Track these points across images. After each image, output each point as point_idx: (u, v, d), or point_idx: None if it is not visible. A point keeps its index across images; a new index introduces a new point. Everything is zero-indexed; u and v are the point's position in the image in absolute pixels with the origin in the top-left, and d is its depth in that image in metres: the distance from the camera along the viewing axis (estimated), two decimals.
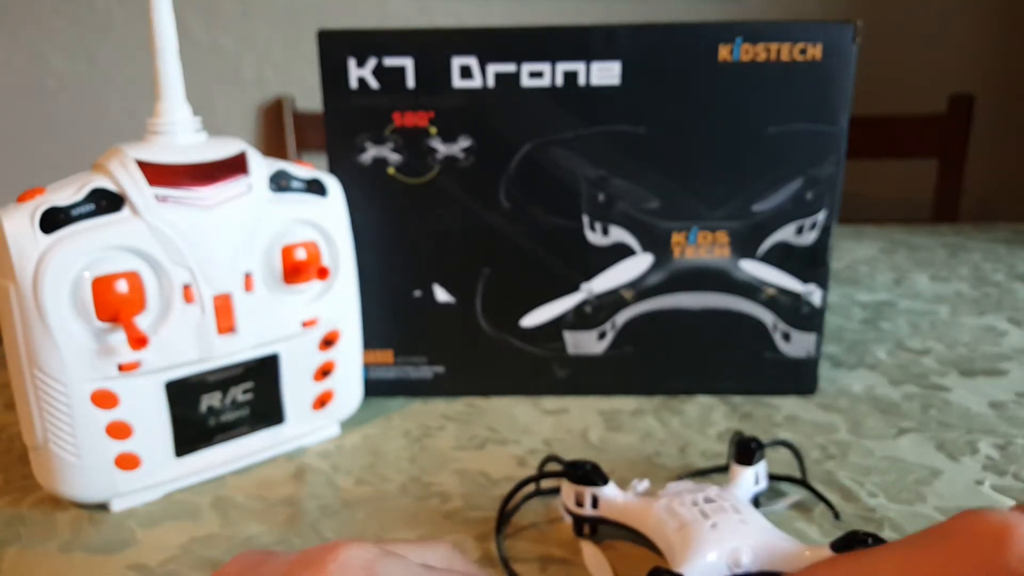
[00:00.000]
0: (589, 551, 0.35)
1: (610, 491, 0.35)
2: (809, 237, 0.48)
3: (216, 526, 0.38)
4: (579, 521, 0.36)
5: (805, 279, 0.49)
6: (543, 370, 0.50)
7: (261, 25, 1.61)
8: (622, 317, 0.49)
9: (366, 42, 0.45)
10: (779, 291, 0.49)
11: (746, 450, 0.37)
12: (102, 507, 0.39)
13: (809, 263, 0.48)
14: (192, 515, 0.39)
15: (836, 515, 0.38)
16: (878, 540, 0.29)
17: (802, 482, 0.39)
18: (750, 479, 0.37)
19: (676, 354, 0.50)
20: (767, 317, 0.49)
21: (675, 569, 0.30)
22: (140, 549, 0.36)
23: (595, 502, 0.35)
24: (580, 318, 0.49)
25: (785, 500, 0.39)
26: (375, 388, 0.50)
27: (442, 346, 0.50)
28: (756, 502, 0.38)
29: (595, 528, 0.36)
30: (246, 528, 0.38)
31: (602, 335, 0.50)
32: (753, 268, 0.48)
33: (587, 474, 0.35)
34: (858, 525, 0.37)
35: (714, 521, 0.31)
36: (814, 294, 0.49)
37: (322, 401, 0.45)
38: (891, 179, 1.56)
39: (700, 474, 0.41)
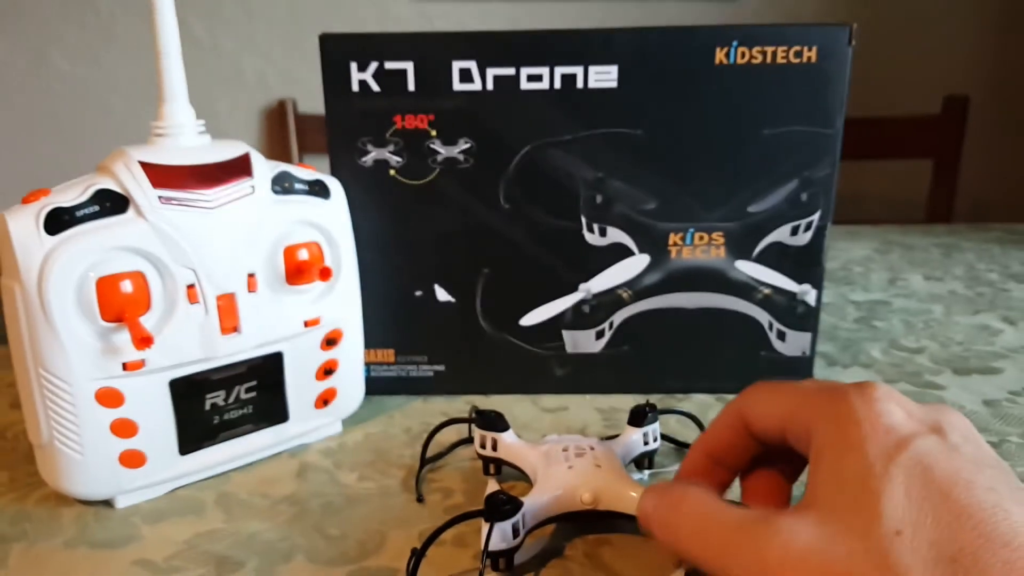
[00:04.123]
0: (491, 485, 0.40)
1: (508, 437, 0.40)
2: (804, 238, 0.48)
3: (220, 522, 0.39)
4: (485, 461, 0.41)
5: (800, 279, 0.49)
6: (542, 369, 0.51)
7: (263, 28, 1.61)
8: (620, 317, 0.50)
9: (367, 46, 0.45)
10: (774, 291, 0.49)
11: (638, 414, 0.41)
12: (107, 504, 0.40)
13: (804, 263, 0.49)
14: (196, 511, 0.40)
15: None
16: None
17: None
18: (639, 439, 0.40)
19: (673, 353, 0.51)
20: (763, 317, 0.50)
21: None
22: (145, 545, 0.37)
23: (495, 445, 0.40)
24: (578, 317, 0.50)
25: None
26: (376, 387, 0.51)
27: (442, 345, 0.50)
28: (650, 460, 0.41)
29: (499, 468, 0.41)
30: (249, 524, 0.38)
31: (600, 334, 0.50)
32: (749, 268, 0.49)
33: (491, 421, 0.40)
34: None
35: (572, 464, 0.37)
36: (809, 294, 0.49)
37: (324, 399, 0.45)
38: (886, 180, 1.57)
39: (609, 438, 0.43)
